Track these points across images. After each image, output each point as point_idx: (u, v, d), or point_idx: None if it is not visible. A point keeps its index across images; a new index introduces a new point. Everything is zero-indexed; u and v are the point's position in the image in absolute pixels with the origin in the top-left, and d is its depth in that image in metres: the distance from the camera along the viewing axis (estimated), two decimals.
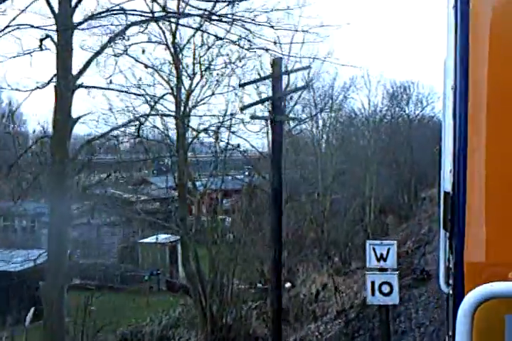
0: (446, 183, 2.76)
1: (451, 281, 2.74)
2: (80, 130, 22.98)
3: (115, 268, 31.71)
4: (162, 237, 33.29)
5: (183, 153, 20.63)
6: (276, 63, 15.71)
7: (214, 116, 21.80)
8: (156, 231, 34.17)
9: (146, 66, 20.77)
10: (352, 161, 39.70)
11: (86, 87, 16.66)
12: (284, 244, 35.46)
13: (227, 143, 22.01)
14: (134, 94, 19.62)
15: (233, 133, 21.87)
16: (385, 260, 11.38)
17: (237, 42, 16.53)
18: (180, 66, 20.75)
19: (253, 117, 19.75)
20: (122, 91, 19.57)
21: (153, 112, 20.32)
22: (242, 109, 18.48)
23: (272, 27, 15.46)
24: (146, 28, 16.99)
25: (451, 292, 2.74)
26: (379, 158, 45.24)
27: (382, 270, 11.64)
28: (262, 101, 18.71)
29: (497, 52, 2.32)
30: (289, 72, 18.24)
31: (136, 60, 20.31)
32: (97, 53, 16.32)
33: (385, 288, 11.28)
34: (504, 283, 2.04)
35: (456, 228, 2.41)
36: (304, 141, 39.33)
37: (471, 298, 2.01)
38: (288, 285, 32.31)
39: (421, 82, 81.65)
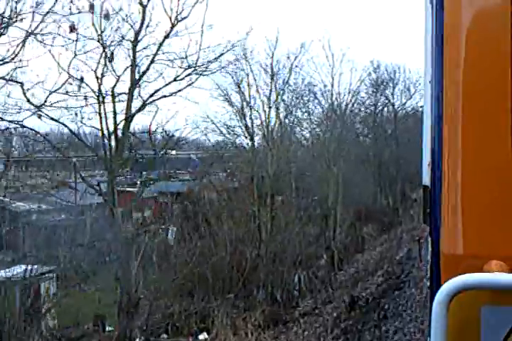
0: (425, 177, 2.99)
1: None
2: None
3: None
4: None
5: None
6: None
7: None
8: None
9: None
10: (307, 156, 29.55)
11: None
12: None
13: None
14: None
15: None
16: None
17: None
18: None
19: None
20: None
21: None
22: None
23: None
24: None
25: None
26: (351, 153, 35.16)
27: None
28: None
29: (472, 49, 2.33)
30: None
31: None
32: None
33: None
34: (478, 274, 2.08)
35: (433, 221, 2.46)
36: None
37: (445, 288, 2.06)
38: (203, 337, 22.38)
39: (408, 66, 71.78)
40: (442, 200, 2.31)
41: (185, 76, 17.19)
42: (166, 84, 16.73)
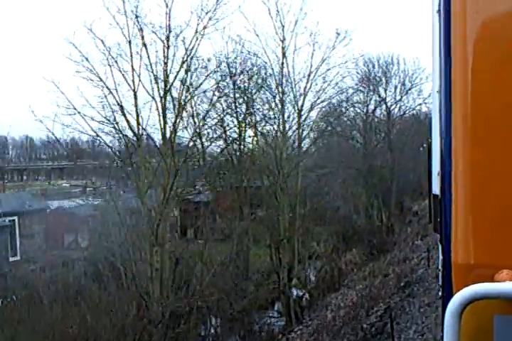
0: (435, 186, 3.06)
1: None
2: None
3: None
4: None
5: None
6: None
7: None
8: None
9: None
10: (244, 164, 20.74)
11: None
12: None
13: None
14: None
15: None
16: None
17: None
18: None
19: None
20: None
21: None
22: None
23: None
24: None
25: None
26: (319, 160, 26.46)
27: None
28: None
29: (480, 59, 2.31)
30: None
31: None
32: None
33: None
34: (490, 284, 2.07)
35: (444, 230, 2.43)
36: None
37: (458, 298, 2.03)
38: None
39: (402, 56, 62.96)
40: (452, 209, 2.29)
41: None
42: None
